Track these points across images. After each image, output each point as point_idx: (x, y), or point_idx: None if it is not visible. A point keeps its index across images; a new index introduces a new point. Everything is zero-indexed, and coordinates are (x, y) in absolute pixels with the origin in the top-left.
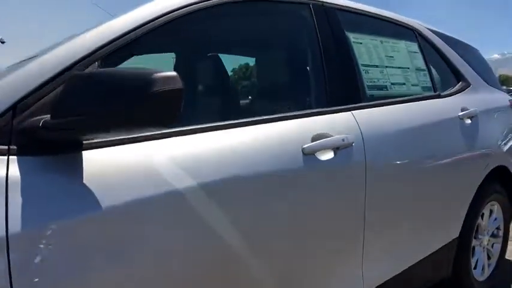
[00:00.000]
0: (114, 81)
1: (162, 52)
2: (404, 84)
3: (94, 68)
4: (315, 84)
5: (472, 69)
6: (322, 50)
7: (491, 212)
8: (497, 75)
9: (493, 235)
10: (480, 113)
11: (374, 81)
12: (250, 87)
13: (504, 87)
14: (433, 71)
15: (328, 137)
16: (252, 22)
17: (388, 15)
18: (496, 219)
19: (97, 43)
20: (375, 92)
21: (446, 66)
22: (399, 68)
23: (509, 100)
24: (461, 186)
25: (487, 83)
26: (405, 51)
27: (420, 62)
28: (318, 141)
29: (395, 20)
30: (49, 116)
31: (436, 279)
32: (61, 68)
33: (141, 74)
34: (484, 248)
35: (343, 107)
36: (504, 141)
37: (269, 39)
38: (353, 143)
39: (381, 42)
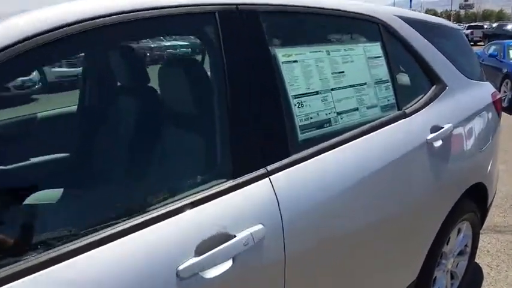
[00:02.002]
0: None
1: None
2: (356, 109)
3: None
4: (210, 143)
5: (451, 61)
6: (228, 85)
7: (459, 231)
8: (481, 11)
9: (460, 253)
10: (455, 127)
11: (311, 118)
12: None
13: (487, 23)
14: (401, 77)
15: (222, 241)
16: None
17: (342, 7)
18: (464, 237)
19: None
20: (312, 134)
21: (418, 67)
22: (352, 86)
23: (492, 93)
24: (424, 228)
25: (468, 76)
26: (363, 59)
27: (382, 71)
28: (202, 257)
29: (353, 12)
30: None
31: None
32: None
33: None
34: (447, 271)
35: (255, 173)
36: (482, 151)
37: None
38: (264, 237)
39: (328, 53)
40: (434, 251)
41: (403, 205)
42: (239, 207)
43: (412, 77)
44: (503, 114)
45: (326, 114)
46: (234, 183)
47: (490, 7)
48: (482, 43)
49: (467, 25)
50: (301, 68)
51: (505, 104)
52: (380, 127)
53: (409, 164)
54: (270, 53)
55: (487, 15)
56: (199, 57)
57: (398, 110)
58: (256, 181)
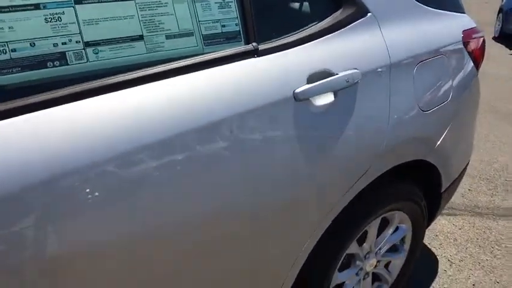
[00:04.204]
0: None
1: None
2: (139, 39)
3: None
4: None
5: None
6: None
7: (387, 223)
8: None
9: (392, 250)
10: (368, 74)
11: (13, 50)
12: None
13: None
14: None
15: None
16: None
17: None
18: (398, 230)
19: None
20: (16, 78)
21: None
22: None
23: (466, 30)
24: (293, 226)
25: (424, 2)
26: None
27: None
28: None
29: None
30: None
31: None
32: None
33: None
34: (365, 274)
35: None
36: (425, 115)
37: None
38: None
39: None
40: (329, 252)
41: (243, 193)
42: None
43: None
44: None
45: (56, 45)
46: None
47: None
48: None
49: None
50: None
51: (496, 34)
52: (191, 70)
53: (255, 132)
54: None
55: None
56: None
57: (246, 43)
58: None
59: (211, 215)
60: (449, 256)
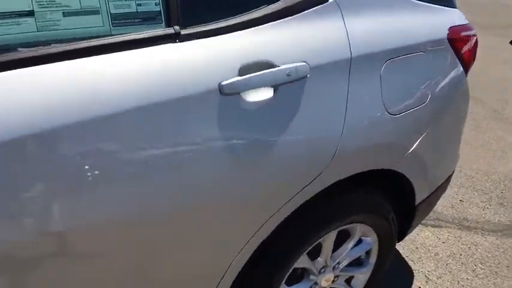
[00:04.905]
0: None
1: None
2: (31, 14)
3: None
4: None
5: None
6: None
7: (349, 236)
8: None
9: (355, 265)
10: (319, 68)
11: None
12: None
13: None
14: None
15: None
16: None
17: None
18: (361, 244)
19: None
20: None
21: None
22: None
23: (452, 28)
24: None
25: None
26: None
27: None
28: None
29: None
30: None
31: None
32: None
33: None
34: None
35: None
36: (395, 118)
37: None
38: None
39: None
40: (270, 264)
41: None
42: None
43: None
44: None
45: None
46: None
47: None
48: None
49: None
50: None
51: None
52: (91, 53)
53: (169, 130)
54: None
55: None
56: None
57: (167, 26)
58: None
59: (117, 220)
60: (427, 272)
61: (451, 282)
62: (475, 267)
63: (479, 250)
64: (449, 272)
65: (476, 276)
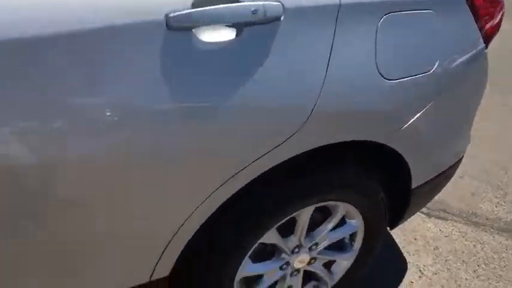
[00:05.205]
0: None
1: None
2: None
3: None
4: None
5: None
6: None
7: (328, 214)
8: None
9: (335, 249)
10: (302, 16)
11: None
12: None
13: None
14: None
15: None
16: None
17: None
18: (343, 226)
19: None
20: None
21: None
22: None
23: None
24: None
25: None
26: None
27: None
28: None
29: None
30: None
31: None
32: None
33: None
34: (294, 271)
35: None
36: (389, 84)
37: None
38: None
39: None
40: (228, 237)
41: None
42: None
43: None
44: None
45: None
46: None
47: None
48: None
49: None
50: None
51: None
52: None
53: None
54: None
55: None
56: None
57: None
58: None
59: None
60: (422, 266)
61: (447, 280)
62: (477, 267)
63: (484, 249)
64: (448, 269)
65: (476, 277)
